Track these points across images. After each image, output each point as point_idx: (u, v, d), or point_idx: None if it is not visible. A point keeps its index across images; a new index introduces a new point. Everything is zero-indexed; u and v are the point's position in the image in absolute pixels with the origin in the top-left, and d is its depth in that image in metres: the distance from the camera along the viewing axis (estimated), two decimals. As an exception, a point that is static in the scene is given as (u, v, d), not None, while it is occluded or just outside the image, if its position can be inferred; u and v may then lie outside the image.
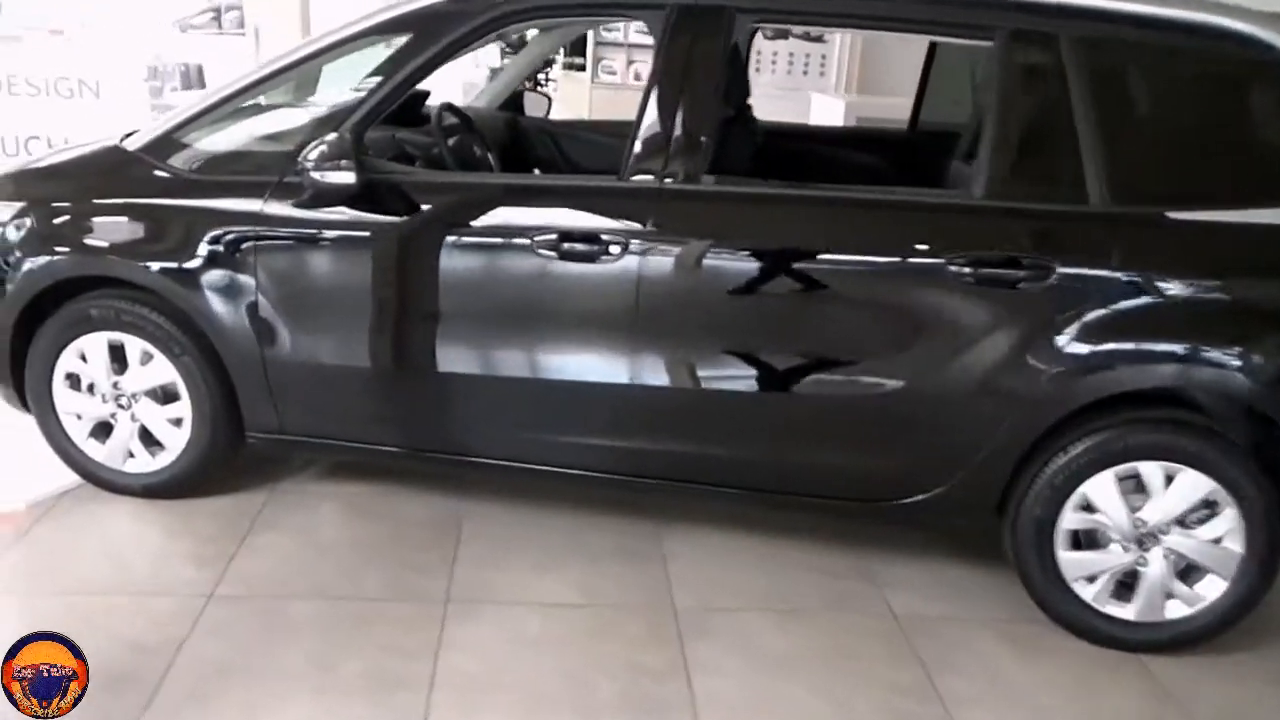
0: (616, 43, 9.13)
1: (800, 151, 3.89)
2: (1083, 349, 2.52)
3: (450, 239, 2.77)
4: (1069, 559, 2.69)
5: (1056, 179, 2.55)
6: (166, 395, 3.02)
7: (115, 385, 3.02)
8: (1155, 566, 2.63)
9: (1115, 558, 2.65)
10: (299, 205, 2.76)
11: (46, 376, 3.03)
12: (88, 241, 2.95)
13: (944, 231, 2.60)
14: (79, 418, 3.08)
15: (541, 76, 8.77)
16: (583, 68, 9.39)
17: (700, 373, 2.75)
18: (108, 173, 3.03)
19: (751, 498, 2.92)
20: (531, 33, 4.75)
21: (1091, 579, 2.69)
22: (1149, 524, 2.60)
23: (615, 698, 2.41)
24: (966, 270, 2.53)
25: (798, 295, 2.67)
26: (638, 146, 2.68)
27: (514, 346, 2.82)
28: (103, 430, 3.09)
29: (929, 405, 2.64)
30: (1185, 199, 2.53)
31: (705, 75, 2.68)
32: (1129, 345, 2.52)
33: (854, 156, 4.05)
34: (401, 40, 2.83)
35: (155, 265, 2.87)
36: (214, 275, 2.84)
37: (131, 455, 3.10)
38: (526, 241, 2.69)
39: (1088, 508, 2.64)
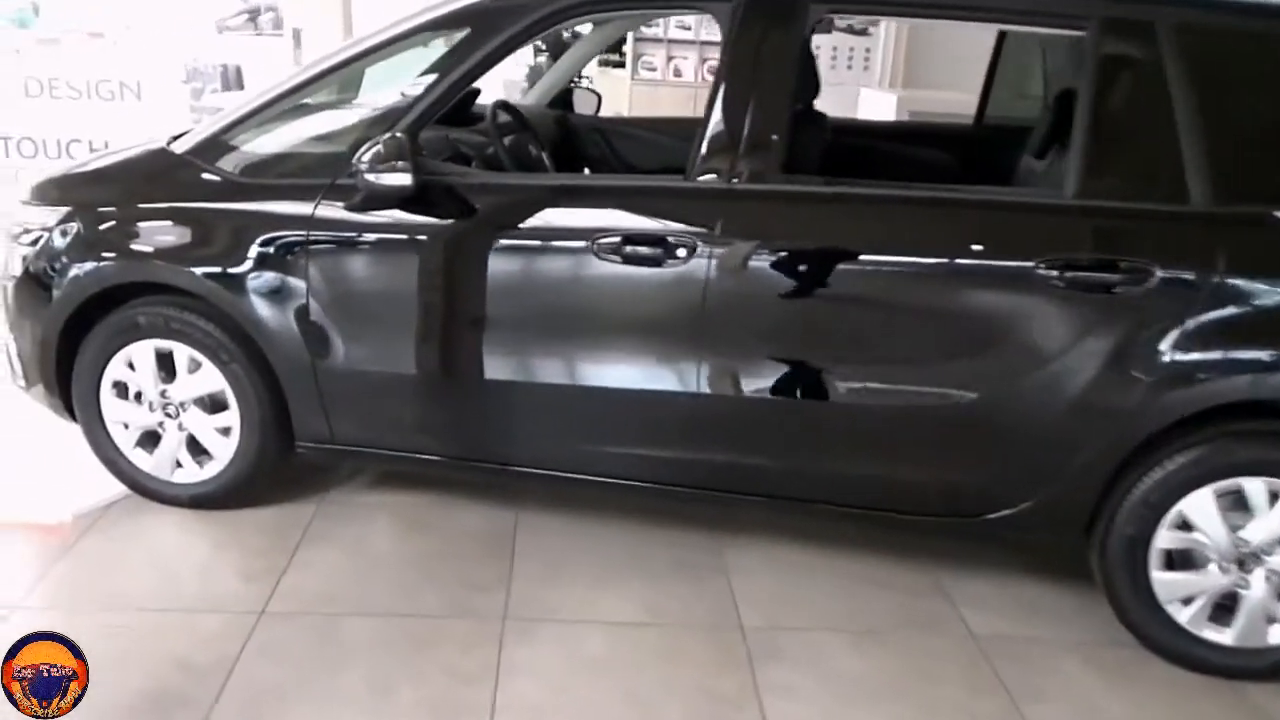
0: (656, 38, 9.00)
1: (862, 148, 3.74)
2: (1184, 357, 2.36)
3: (509, 242, 2.67)
4: (1163, 580, 2.53)
5: (1154, 177, 2.40)
6: (215, 404, 2.93)
7: (163, 394, 2.94)
8: (1257, 589, 2.46)
9: (1213, 579, 2.49)
10: (352, 208, 2.66)
11: (93, 385, 2.96)
12: (135, 247, 2.87)
13: (1033, 233, 2.46)
14: (126, 427, 3.01)
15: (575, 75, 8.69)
16: (620, 64, 9.28)
17: (769, 382, 2.61)
18: (155, 176, 2.95)
19: (821, 511, 2.78)
20: (582, 28, 4.63)
21: (1187, 601, 2.54)
22: (1251, 544, 2.44)
23: (686, 725, 2.29)
24: (1057, 274, 2.38)
25: (876, 300, 2.54)
26: (705, 145, 2.56)
27: (580, 354, 2.70)
28: (150, 440, 3.02)
29: (1015, 416, 2.49)
30: (1294, 197, 2.37)
31: (776, 69, 2.55)
32: (1234, 353, 2.36)
33: (917, 153, 3.89)
34: (457, 36, 2.72)
35: (204, 271, 2.79)
36: (264, 281, 2.75)
37: (179, 465, 3.02)
38: (588, 244, 2.57)
39: (1184, 526, 2.48)
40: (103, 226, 2.91)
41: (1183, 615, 2.54)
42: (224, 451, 2.96)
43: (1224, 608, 2.53)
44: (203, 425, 2.95)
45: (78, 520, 2.97)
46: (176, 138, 3.00)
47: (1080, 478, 2.50)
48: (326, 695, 2.32)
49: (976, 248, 2.48)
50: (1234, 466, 2.42)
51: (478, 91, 3.51)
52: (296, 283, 2.73)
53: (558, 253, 2.66)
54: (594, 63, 9.52)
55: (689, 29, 9.01)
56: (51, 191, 3.03)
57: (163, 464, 3.01)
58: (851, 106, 7.06)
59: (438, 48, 2.99)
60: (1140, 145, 2.42)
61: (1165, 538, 2.49)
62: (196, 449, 3.00)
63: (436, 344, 2.79)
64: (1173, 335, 2.36)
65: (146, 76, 5.02)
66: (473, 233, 2.67)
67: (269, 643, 2.48)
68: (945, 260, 2.51)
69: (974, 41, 7.86)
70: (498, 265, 2.68)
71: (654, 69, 9.13)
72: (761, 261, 2.53)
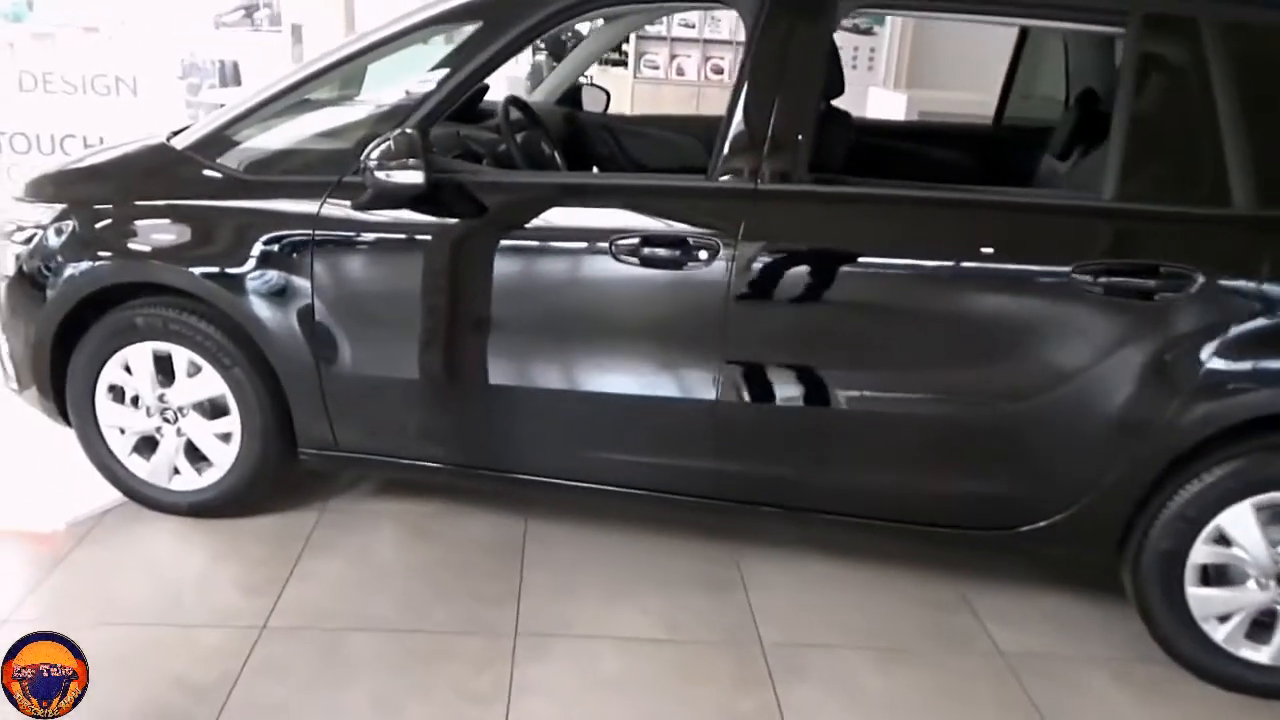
0: (659, 36, 8.91)
1: (876, 148, 3.65)
2: (1225, 366, 2.27)
3: (524, 243, 2.57)
4: (1199, 596, 2.45)
5: (1195, 179, 2.31)
6: (215, 409, 2.83)
7: (161, 398, 2.84)
8: (1297, 606, 2.38)
9: (1252, 595, 2.41)
10: (360, 207, 2.56)
11: (89, 388, 2.86)
12: (133, 246, 2.76)
13: (1070, 236, 2.37)
14: (122, 432, 2.90)
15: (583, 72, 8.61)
16: (621, 63, 9.19)
17: (795, 389, 2.52)
18: (154, 172, 2.84)
19: (844, 523, 2.69)
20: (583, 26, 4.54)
21: (1224, 618, 2.45)
22: (1292, 560, 2.36)
23: (708, 748, 2.20)
24: (1094, 279, 2.30)
25: (904, 306, 2.45)
26: (728, 143, 2.46)
27: (599, 360, 2.60)
28: (147, 445, 2.92)
29: (1049, 425, 2.41)
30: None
31: (803, 65, 2.45)
32: (1276, 363, 2.28)
33: (933, 153, 3.81)
34: (468, 30, 2.62)
35: (204, 271, 2.69)
36: (267, 281, 2.65)
37: (177, 472, 2.92)
38: (605, 245, 2.47)
39: (1222, 540, 2.39)
40: (99, 224, 2.80)
41: (1219, 632, 2.46)
42: (224, 458, 2.86)
43: (1262, 625, 2.44)
44: (202, 431, 2.85)
45: (71, 529, 2.86)
46: (177, 133, 2.90)
47: (1116, 490, 2.41)
48: (331, 715, 2.22)
49: (1011, 252, 2.38)
50: (1275, 480, 2.34)
51: (486, 88, 3.41)
52: (301, 284, 2.63)
53: (574, 254, 2.56)
54: (594, 62, 9.44)
55: (692, 27, 8.93)
56: (46, 188, 2.93)
57: (160, 471, 2.91)
58: (860, 106, 6.97)
59: (440, 44, 2.91)
60: (1181, 146, 2.33)
61: (1202, 552, 2.41)
62: (195, 455, 2.90)
63: (447, 348, 2.69)
64: (1214, 344, 2.27)
65: (143, 72, 4.93)
66: (486, 233, 2.58)
67: (271, 659, 2.38)
68: (977, 265, 2.41)
69: (978, 41, 7.83)
70: (511, 267, 2.59)
71: (656, 67, 9.04)
72: (787, 265, 2.44)
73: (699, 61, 9.11)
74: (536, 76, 6.48)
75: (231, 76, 7.31)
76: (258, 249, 2.64)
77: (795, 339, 2.49)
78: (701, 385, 2.53)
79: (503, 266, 2.59)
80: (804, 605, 2.73)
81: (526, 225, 2.57)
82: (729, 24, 9.11)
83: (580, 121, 3.99)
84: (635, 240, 2.46)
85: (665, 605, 2.69)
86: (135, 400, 2.86)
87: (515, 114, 3.14)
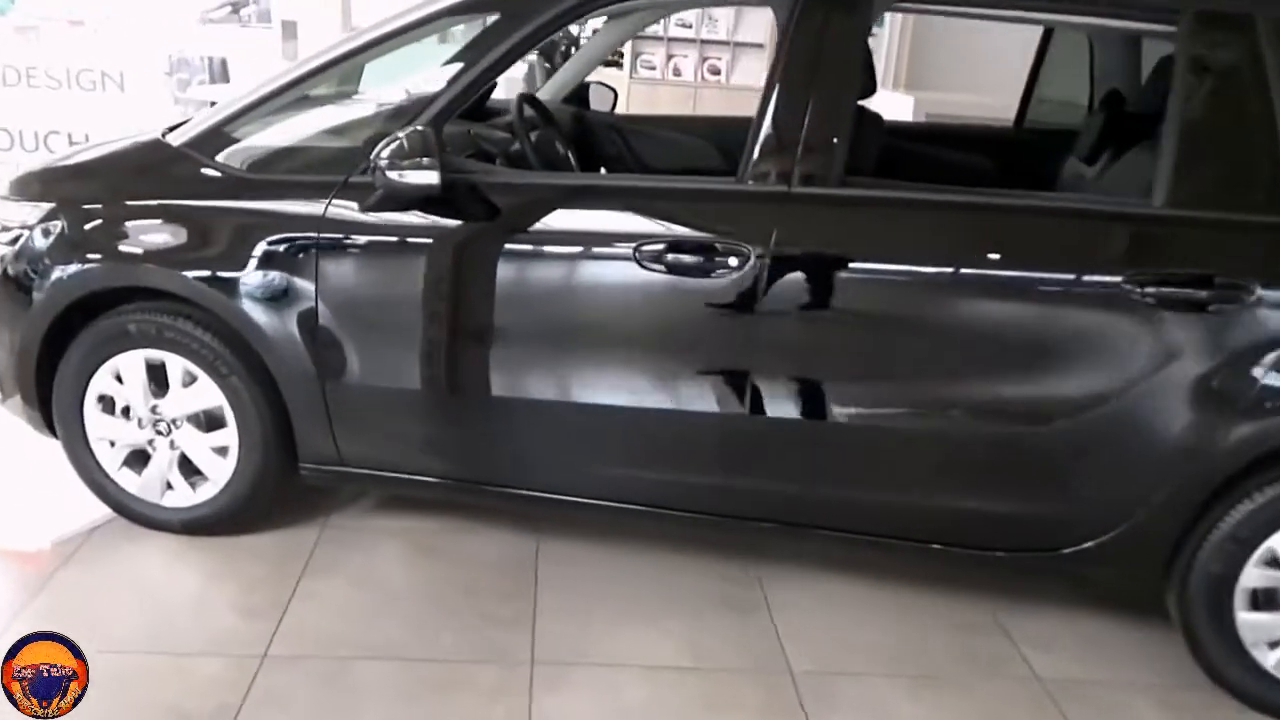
0: (656, 36, 8.80)
1: (895, 149, 3.52)
2: (1282, 382, 2.17)
3: (541, 248, 2.44)
4: (1248, 621, 2.34)
5: (1252, 185, 2.21)
6: (211, 421, 2.68)
7: (154, 409, 2.69)
8: (1353, 633, 2.28)
9: (1305, 621, 2.31)
10: (369, 208, 2.42)
11: (77, 398, 2.70)
12: (124, 248, 2.61)
13: (1122, 245, 2.26)
14: (112, 445, 2.75)
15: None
16: (615, 63, 9.06)
17: (831, 403, 2.40)
18: (149, 170, 2.70)
19: (874, 543, 2.57)
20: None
21: (1274, 644, 2.34)
22: (1348, 585, 2.26)
23: (741, 787, 2.07)
24: (1146, 289, 2.18)
25: (944, 317, 2.33)
26: (760, 145, 2.33)
27: (627, 371, 2.47)
28: (138, 459, 2.76)
29: (1096, 442, 2.29)
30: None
31: (839, 64, 2.33)
32: (1340, 378, 2.17)
33: (953, 155, 3.70)
34: (484, 22, 2.49)
35: (202, 275, 2.54)
36: (269, 287, 2.50)
37: (170, 487, 2.77)
38: (630, 250, 2.34)
39: (1274, 563, 2.29)
40: (89, 225, 2.65)
41: (1269, 659, 2.35)
42: (220, 473, 2.71)
43: (1314, 652, 2.34)
44: (197, 444, 2.70)
45: (57, 548, 2.71)
46: (173, 129, 2.75)
47: (1164, 510, 2.30)
48: (340, 752, 2.08)
49: (1061, 260, 2.27)
50: (1333, 501, 2.23)
51: (494, 85, 3.28)
52: (304, 289, 2.49)
53: (596, 259, 2.43)
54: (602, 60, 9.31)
55: (689, 27, 8.82)
56: (33, 186, 2.78)
57: (152, 485, 2.76)
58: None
59: (435, 40, 2.78)
60: (1237, 150, 2.23)
61: (1253, 575, 2.30)
62: (189, 470, 2.75)
63: (460, 357, 2.55)
64: (1270, 358, 2.17)
65: (130, 67, 4.79)
66: (502, 236, 2.44)
67: (273, 690, 2.24)
68: (1024, 274, 2.30)
69: (978, 42, 7.75)
70: (527, 272, 2.46)
71: (653, 68, 8.93)
72: (822, 272, 2.32)
73: (696, 62, 9.01)
74: (530, 78, 6.33)
75: (220, 73, 7.16)
76: (259, 252, 2.50)
77: (830, 350, 2.37)
78: (732, 398, 2.40)
79: (519, 272, 2.46)
80: (831, 628, 2.61)
81: (545, 229, 2.44)
82: (726, 24, 9.01)
83: (588, 121, 3.86)
84: (660, 246, 2.34)
85: (687, 629, 2.56)
86: (126, 411, 2.71)
87: (529, 112, 3.00)
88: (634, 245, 2.35)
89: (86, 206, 2.67)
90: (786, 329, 2.35)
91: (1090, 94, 3.60)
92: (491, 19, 2.46)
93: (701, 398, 2.44)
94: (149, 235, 2.61)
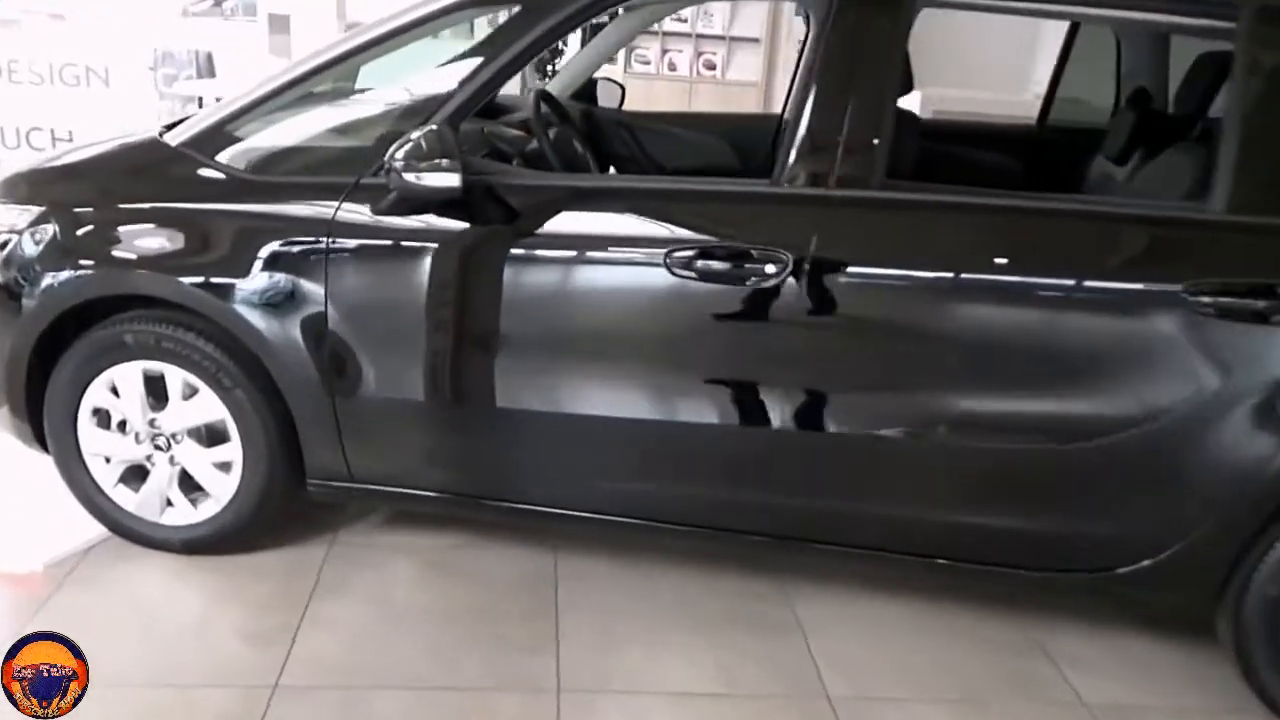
0: (651, 31, 8.65)
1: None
2: (1351, 397, 2.07)
3: (564, 253, 2.31)
4: (1305, 645, 2.25)
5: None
6: (213, 435, 2.55)
7: (152, 423, 2.55)
8: None
9: (1364, 645, 2.21)
10: (383, 211, 2.29)
11: (70, 411, 2.56)
12: (119, 253, 2.47)
13: (1182, 252, 2.15)
14: (108, 460, 2.61)
15: (549, 68, 8.34)
16: (608, 58, 8.91)
17: (873, 418, 2.29)
18: (145, 171, 2.55)
19: (907, 562, 2.46)
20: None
21: (1332, 668, 2.25)
22: None
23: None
24: (1207, 299, 2.08)
25: (993, 327, 2.22)
26: (796, 146, 2.21)
27: (656, 385, 2.35)
28: (135, 475, 2.62)
29: (1151, 459, 2.19)
30: None
31: (880, 61, 2.22)
32: None
33: (975, 154, 3.59)
34: (504, 15, 2.36)
35: (203, 282, 2.40)
36: (275, 294, 2.37)
37: (169, 504, 2.63)
38: (659, 256, 2.22)
39: (1332, 585, 2.20)
40: (81, 229, 2.51)
41: (1326, 684, 2.26)
42: (223, 490, 2.57)
43: (1375, 676, 2.25)
44: (198, 459, 2.56)
45: (50, 570, 2.56)
46: (170, 127, 2.60)
47: (1221, 530, 2.20)
48: (360, 793, 1.96)
49: (1118, 268, 2.17)
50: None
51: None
52: (313, 296, 2.35)
53: (623, 265, 2.30)
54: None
55: (684, 21, 8.68)
56: (21, 188, 2.63)
57: (150, 503, 2.62)
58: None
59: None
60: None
61: (1310, 598, 2.21)
62: (190, 485, 2.61)
63: (477, 367, 2.42)
64: (1337, 371, 2.07)
65: (115, 62, 4.65)
66: (523, 241, 2.31)
67: (286, 725, 2.11)
68: (1078, 282, 2.18)
69: (978, 38, 7.64)
70: (549, 278, 2.34)
71: (648, 62, 8.79)
72: (864, 280, 2.21)
73: (691, 56, 8.88)
74: (521, 75, 6.18)
75: (205, 68, 6.98)
76: (264, 258, 2.36)
77: (875, 362, 2.26)
78: (768, 411, 2.28)
79: (541, 278, 2.34)
80: (866, 650, 2.50)
81: (571, 233, 2.32)
82: (721, 19, 8.89)
83: (597, 118, 3.72)
84: (692, 251, 2.22)
85: (717, 652, 2.44)
86: (123, 425, 2.57)
87: (545, 110, 2.87)
88: (664, 251, 2.23)
89: (79, 209, 2.53)
90: (828, 339, 2.24)
91: (1116, 92, 3.50)
92: (513, 10, 2.33)
93: (743, 411, 2.32)
94: (146, 240, 2.47)
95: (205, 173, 2.46)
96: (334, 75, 2.57)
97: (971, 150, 3.64)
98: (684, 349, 2.31)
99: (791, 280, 2.17)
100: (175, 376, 2.49)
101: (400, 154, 2.17)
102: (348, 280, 2.36)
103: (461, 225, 2.30)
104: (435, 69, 2.83)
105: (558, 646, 2.42)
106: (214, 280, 2.40)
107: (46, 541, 2.63)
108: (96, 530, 2.68)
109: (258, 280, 2.37)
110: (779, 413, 2.29)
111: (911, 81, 2.59)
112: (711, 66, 8.88)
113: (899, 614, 2.65)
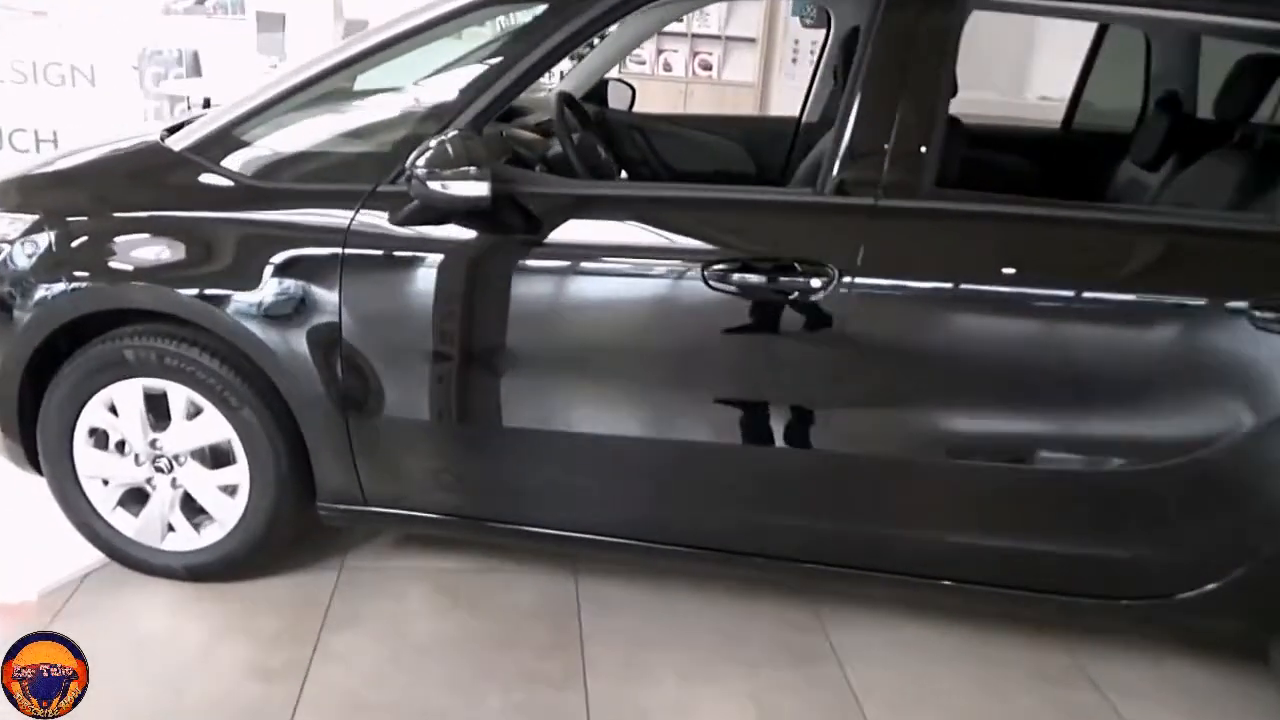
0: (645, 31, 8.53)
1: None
2: None
3: (596, 264, 2.19)
4: (1368, 676, 2.16)
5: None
6: (218, 457, 2.41)
7: (153, 444, 2.41)
8: None
9: None
10: (403, 221, 2.16)
11: (65, 431, 2.41)
12: (119, 265, 2.33)
13: (1249, 266, 2.05)
14: (105, 483, 2.47)
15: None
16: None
17: (921, 439, 2.18)
18: (146, 177, 2.41)
19: (962, 590, 2.35)
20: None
21: (1394, 697, 2.16)
22: None
23: None
24: (1274, 315, 1.98)
25: (1051, 345, 2.11)
26: (841, 154, 2.10)
27: (696, 404, 2.23)
28: (135, 499, 2.48)
29: (1214, 482, 2.09)
30: None
31: (930, 65, 2.11)
32: None
33: (996, 157, 3.49)
34: (526, 16, 2.24)
35: (208, 295, 2.26)
36: (286, 308, 2.23)
37: (171, 529, 2.49)
38: (697, 269, 2.10)
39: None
40: (78, 240, 2.36)
41: (1388, 714, 2.17)
42: (228, 514, 2.44)
43: None
44: (202, 482, 2.43)
45: (45, 599, 2.42)
46: (172, 131, 2.46)
47: (1281, 555, 2.10)
48: (386, 846, 1.83)
49: (1185, 283, 2.06)
50: None
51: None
52: (327, 310, 2.22)
53: (657, 277, 2.17)
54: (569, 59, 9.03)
55: (680, 21, 8.56)
56: (12, 196, 2.48)
57: (151, 528, 2.48)
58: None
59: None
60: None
61: (1373, 629, 2.12)
62: (193, 509, 2.47)
63: (506, 386, 2.29)
64: None
65: (101, 60, 4.49)
66: (555, 252, 2.19)
67: (302, 769, 1.98)
68: (1140, 297, 2.07)
69: (975, 42, 7.59)
70: (580, 292, 2.21)
71: (643, 63, 8.66)
72: (914, 295, 2.10)
73: (687, 57, 8.76)
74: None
75: (192, 66, 6.82)
76: (274, 269, 2.22)
77: (924, 380, 2.14)
78: (807, 432, 2.17)
79: (569, 290, 2.22)
80: (905, 678, 2.39)
81: (601, 243, 2.20)
82: (717, 19, 8.77)
83: (609, 121, 3.60)
84: (733, 264, 2.10)
85: (753, 684, 2.33)
86: (121, 446, 2.43)
87: (568, 114, 2.74)
88: (701, 263, 2.11)
89: (74, 218, 2.38)
90: (875, 356, 2.13)
91: (1145, 95, 3.41)
92: (538, 10, 2.21)
93: (784, 431, 2.20)
94: (147, 250, 2.33)
95: (211, 179, 2.33)
96: (346, 77, 2.43)
97: (994, 155, 3.53)
98: (724, 366, 2.19)
99: (837, 293, 2.06)
100: (178, 395, 2.35)
101: (423, 160, 2.04)
102: (363, 292, 2.23)
103: (488, 235, 2.18)
104: (433, 70, 2.71)
105: (585, 679, 2.30)
106: (220, 293, 2.26)
107: (40, 569, 2.48)
108: (94, 557, 2.54)
109: (267, 293, 2.24)
110: (819, 434, 2.18)
111: (956, 85, 2.47)
112: (707, 67, 8.76)
113: (937, 641, 2.54)
